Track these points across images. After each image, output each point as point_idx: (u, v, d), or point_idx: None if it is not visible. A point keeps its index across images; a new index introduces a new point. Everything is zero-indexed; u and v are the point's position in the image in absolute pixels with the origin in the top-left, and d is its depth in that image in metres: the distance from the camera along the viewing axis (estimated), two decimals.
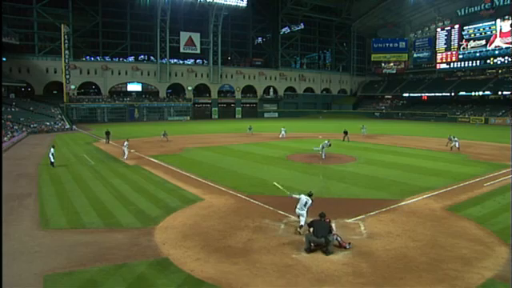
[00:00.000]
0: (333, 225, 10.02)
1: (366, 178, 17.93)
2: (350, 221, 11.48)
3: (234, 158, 24.66)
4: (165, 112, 79.36)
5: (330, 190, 15.54)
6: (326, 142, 24.07)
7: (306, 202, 10.45)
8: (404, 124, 64.00)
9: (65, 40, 63.07)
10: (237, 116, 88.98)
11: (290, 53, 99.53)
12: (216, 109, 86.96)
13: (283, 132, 37.17)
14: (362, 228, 10.89)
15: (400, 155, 25.17)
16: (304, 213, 10.43)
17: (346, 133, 35.25)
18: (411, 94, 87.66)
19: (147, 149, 29.00)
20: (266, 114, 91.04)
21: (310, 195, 10.69)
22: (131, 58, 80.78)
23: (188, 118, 78.24)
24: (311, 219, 9.76)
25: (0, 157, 19.20)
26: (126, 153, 23.97)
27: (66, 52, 64.39)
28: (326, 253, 9.09)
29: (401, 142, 33.26)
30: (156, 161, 23.20)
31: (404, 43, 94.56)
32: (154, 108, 78.36)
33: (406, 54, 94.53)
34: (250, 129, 42.64)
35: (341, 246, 9.42)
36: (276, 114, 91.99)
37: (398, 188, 15.66)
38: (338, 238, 9.56)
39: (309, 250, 9.19)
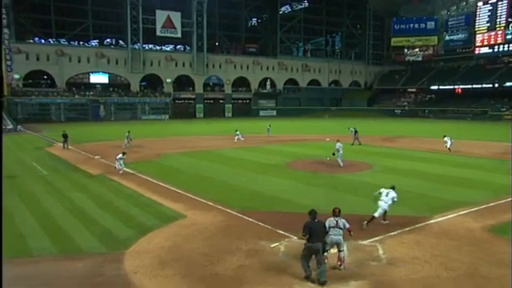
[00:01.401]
0: (327, 223, 9.76)
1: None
2: (365, 242, 11.44)
3: (222, 165, 24.66)
4: (138, 109, 79.23)
5: (340, 204, 15.44)
6: (339, 144, 24.41)
7: (388, 194, 12.59)
8: (431, 124, 64.39)
9: (2, 15, 60.40)
10: (226, 114, 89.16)
11: (291, 37, 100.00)
12: (201, 106, 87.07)
13: (239, 136, 36.98)
14: (381, 252, 10.84)
15: (426, 162, 25.29)
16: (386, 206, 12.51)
17: (355, 133, 35.38)
18: (441, 87, 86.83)
19: (116, 155, 28.79)
20: (261, 112, 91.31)
21: (392, 188, 12.78)
22: (94, 42, 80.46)
23: (167, 116, 78.05)
24: (306, 222, 9.39)
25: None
26: (119, 166, 21.96)
27: (5, 31, 61.84)
28: (317, 265, 8.99)
29: (427, 146, 33.42)
30: (127, 169, 23.02)
31: (433, 23, 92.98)
32: (124, 104, 78.17)
33: (436, 37, 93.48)
34: (268, 130, 42.82)
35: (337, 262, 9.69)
36: (274, 112, 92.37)
37: (425, 202, 15.65)
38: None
39: (311, 277, 9.07)
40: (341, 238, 9.74)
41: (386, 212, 12.86)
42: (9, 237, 12.12)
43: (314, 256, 9.16)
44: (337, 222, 9.80)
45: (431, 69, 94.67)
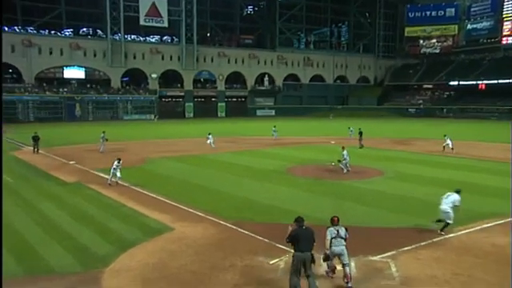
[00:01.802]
0: (328, 234, 9.98)
1: (396, 198, 17.94)
2: (375, 258, 11.39)
3: (215, 171, 24.70)
4: (119, 109, 79.25)
5: (347, 215, 15.45)
6: (345, 152, 24.19)
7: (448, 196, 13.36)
8: (451, 124, 64.44)
9: None
10: (219, 114, 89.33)
11: (291, 28, 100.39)
12: (191, 104, 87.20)
13: (210, 140, 35.72)
14: (394, 269, 10.79)
15: (445, 167, 25.31)
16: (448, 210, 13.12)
17: (360, 134, 35.62)
18: (462, 82, 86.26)
19: (94, 160, 28.76)
20: (258, 112, 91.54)
21: (457, 192, 13.40)
22: (68, 32, 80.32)
23: (156, 117, 77.78)
24: (293, 229, 9.46)
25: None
26: (113, 179, 21.06)
27: None
28: (307, 278, 9.07)
29: (447, 150, 33.42)
30: (107, 176, 22.95)
31: (453, 10, 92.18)
32: (103, 103, 78.12)
33: (456, 26, 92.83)
34: (274, 132, 42.61)
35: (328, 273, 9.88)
36: (272, 112, 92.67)
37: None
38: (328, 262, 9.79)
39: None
40: (344, 248, 9.87)
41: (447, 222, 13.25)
42: None
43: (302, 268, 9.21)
44: (338, 231, 9.97)
45: (450, 62, 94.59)
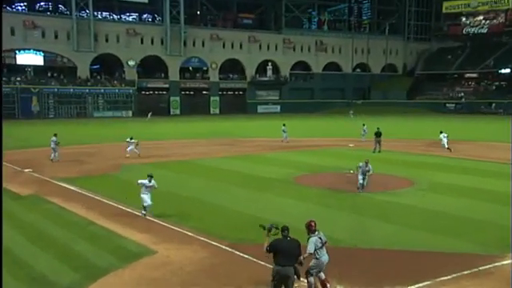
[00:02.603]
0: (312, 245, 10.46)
1: (430, 214, 17.87)
2: None
3: (207, 180, 24.83)
4: (88, 103, 79.72)
5: (370, 234, 15.46)
6: (362, 164, 21.94)
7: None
8: (501, 122, 64.22)
9: None
10: (212, 110, 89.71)
11: (300, 4, 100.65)
12: (177, 99, 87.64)
13: (132, 147, 33.39)
14: None
15: (494, 177, 25.15)
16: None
17: (378, 135, 35.60)
18: None
19: (56, 167, 28.85)
20: (260, 108, 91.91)
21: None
22: (21, 6, 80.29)
23: (148, 115, 77.22)
24: (271, 241, 9.89)
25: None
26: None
27: None
28: None
29: (494, 155, 33.44)
30: (71, 187, 23.02)
31: None
32: (68, 96, 78.50)
33: None
34: (284, 132, 42.62)
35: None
36: (277, 108, 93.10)
37: (494, 235, 15.52)
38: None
39: None
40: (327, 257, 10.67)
41: None
42: None
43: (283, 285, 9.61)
44: (320, 238, 10.63)
45: (502, 45, 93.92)
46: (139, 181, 17.92)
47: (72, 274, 12.38)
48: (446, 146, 35.49)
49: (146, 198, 17.47)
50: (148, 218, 17.33)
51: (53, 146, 30.93)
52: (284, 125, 43.57)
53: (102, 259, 13.36)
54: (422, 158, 32.54)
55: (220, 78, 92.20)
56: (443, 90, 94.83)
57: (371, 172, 21.53)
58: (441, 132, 37.08)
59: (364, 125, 40.71)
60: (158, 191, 22.35)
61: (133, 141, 33.69)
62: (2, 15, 50.01)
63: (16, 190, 22.69)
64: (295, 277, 9.67)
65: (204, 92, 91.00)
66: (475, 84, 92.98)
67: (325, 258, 10.63)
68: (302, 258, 9.98)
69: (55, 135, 31.66)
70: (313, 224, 10.74)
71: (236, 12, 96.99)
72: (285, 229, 9.97)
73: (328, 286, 10.68)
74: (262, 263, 12.75)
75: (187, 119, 74.83)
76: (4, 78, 74.90)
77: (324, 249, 10.69)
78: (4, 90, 73.56)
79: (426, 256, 13.68)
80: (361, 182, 21.30)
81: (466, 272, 12.34)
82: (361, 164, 21.61)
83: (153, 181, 17.75)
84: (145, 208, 17.58)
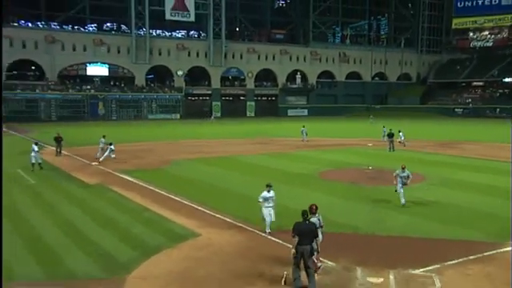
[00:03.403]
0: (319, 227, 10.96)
1: (441, 207, 17.57)
2: (417, 272, 11.19)
3: (244, 175, 24.77)
4: (143, 107, 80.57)
5: (386, 224, 15.28)
6: (401, 171, 18.01)
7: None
8: (505, 126, 62.61)
9: None
10: (248, 114, 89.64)
11: (326, 21, 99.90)
12: (218, 104, 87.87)
13: (107, 153, 29.43)
14: (438, 285, 10.57)
15: (498, 173, 24.60)
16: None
17: (390, 136, 35.08)
18: None
19: (117, 161, 29.22)
20: (290, 112, 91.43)
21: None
22: (92, 27, 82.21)
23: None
24: (294, 224, 10.26)
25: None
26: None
27: None
28: (306, 270, 9.82)
29: (499, 154, 32.62)
30: (130, 179, 23.37)
31: None
32: (127, 101, 79.58)
33: None
34: (303, 133, 42.21)
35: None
36: (305, 112, 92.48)
37: (497, 224, 15.21)
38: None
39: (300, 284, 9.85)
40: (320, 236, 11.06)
41: None
42: None
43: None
44: (319, 220, 11.20)
45: (505, 56, 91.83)
46: (260, 197, 14.36)
47: (130, 252, 12.63)
48: (400, 140, 37.18)
49: (267, 213, 14.01)
50: (267, 235, 13.89)
51: (101, 146, 29.88)
52: (303, 126, 43.09)
53: (155, 240, 13.58)
54: (432, 156, 31.98)
55: (255, 86, 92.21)
56: (452, 97, 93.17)
57: (410, 178, 17.89)
58: (399, 131, 38.24)
59: (384, 127, 40.14)
60: (200, 182, 22.60)
61: (103, 139, 30.38)
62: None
63: (85, 179, 23.31)
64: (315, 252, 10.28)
65: (241, 98, 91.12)
66: (481, 91, 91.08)
67: (319, 237, 10.98)
68: (319, 241, 10.70)
69: (104, 137, 30.67)
70: (314, 207, 11.14)
71: (270, 28, 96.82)
72: (304, 213, 10.43)
73: (317, 261, 10.95)
74: (289, 246, 12.78)
75: (227, 121, 75.11)
76: (76, 87, 76.59)
77: (320, 230, 11.10)
78: (76, 96, 75.27)
79: (435, 242, 13.49)
80: (401, 190, 17.49)
81: (471, 257, 12.14)
82: (397, 171, 17.93)
83: (272, 191, 14.36)
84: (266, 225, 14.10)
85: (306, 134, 42.00)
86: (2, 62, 67.19)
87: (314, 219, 11.01)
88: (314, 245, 10.30)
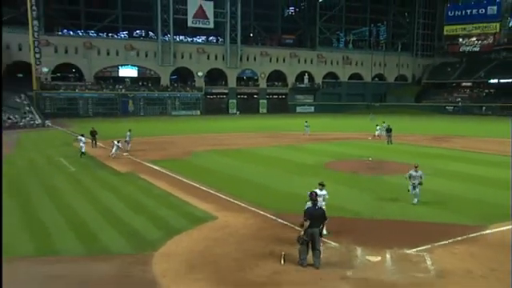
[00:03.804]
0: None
1: (432, 194, 17.41)
2: (411, 252, 11.17)
3: (256, 165, 24.77)
4: (168, 105, 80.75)
5: (384, 209, 15.23)
6: (414, 172, 15.78)
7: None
8: (490, 122, 62.05)
9: (32, 6, 62.17)
10: (261, 110, 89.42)
11: (331, 27, 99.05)
12: (234, 101, 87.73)
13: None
14: (429, 263, 10.54)
15: (483, 165, 24.39)
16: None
17: (388, 131, 34.80)
18: (502, 80, 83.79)
19: (145, 152, 29.53)
20: (298, 108, 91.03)
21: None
22: (123, 34, 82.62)
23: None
24: (306, 209, 10.39)
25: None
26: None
27: (35, 23, 63.73)
28: (313, 251, 10.03)
29: (485, 147, 32.31)
30: (156, 168, 23.55)
31: (495, 8, 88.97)
32: (153, 99, 79.83)
33: (498, 24, 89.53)
34: (306, 127, 42.08)
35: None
36: (312, 109, 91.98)
37: (481, 210, 15.12)
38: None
39: (305, 261, 10.04)
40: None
41: None
42: (37, 236, 12.67)
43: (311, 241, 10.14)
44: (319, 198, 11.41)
45: (491, 60, 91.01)
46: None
47: (156, 232, 12.75)
48: (376, 134, 37.79)
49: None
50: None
51: (127, 138, 29.92)
52: (306, 121, 42.90)
53: (177, 222, 13.68)
54: (426, 149, 31.71)
55: (267, 85, 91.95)
56: (444, 96, 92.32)
57: (423, 178, 15.70)
58: (377, 125, 39.10)
59: (384, 122, 39.81)
60: (218, 172, 22.63)
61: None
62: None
63: (117, 168, 23.52)
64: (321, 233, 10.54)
65: (255, 96, 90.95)
66: (469, 91, 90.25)
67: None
68: (325, 223, 10.87)
69: (129, 130, 30.65)
70: (313, 194, 11.01)
71: (280, 34, 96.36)
72: (312, 195, 10.67)
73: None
74: (298, 228, 12.81)
75: (241, 117, 75.10)
76: (110, 87, 77.16)
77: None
78: (109, 95, 75.83)
79: (427, 226, 13.46)
80: (412, 192, 15.61)
81: (458, 238, 12.13)
82: (410, 172, 15.79)
83: (324, 190, 12.85)
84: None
85: (309, 129, 41.77)
86: (44, 63, 67.89)
87: (309, 202, 11.04)
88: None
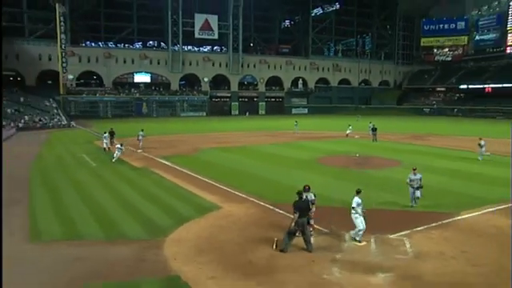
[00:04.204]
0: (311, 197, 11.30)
1: None
2: (392, 236, 11.25)
3: (256, 160, 24.76)
4: (177, 107, 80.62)
5: (369, 199, 15.27)
6: (413, 175, 14.17)
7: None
8: (461, 122, 62.20)
9: (60, 22, 63.52)
10: (260, 112, 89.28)
11: (322, 38, 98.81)
12: (236, 103, 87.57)
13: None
14: (408, 246, 10.64)
15: (455, 160, 24.49)
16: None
17: (374, 130, 34.90)
18: (471, 86, 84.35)
19: (157, 149, 29.53)
20: (293, 110, 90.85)
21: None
22: (138, 45, 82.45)
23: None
24: (294, 202, 10.50)
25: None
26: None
27: (63, 36, 64.75)
28: (304, 236, 10.18)
29: (456, 144, 32.36)
30: (167, 163, 23.56)
31: (463, 23, 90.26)
32: (164, 102, 79.72)
33: (466, 37, 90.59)
34: (296, 126, 42.30)
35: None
36: (305, 110, 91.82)
37: (453, 199, 15.22)
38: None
39: (286, 248, 10.08)
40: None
41: None
42: (64, 222, 12.77)
43: (299, 230, 10.32)
44: (306, 197, 11.14)
45: (460, 68, 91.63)
46: (354, 202, 11.00)
47: (168, 220, 12.81)
48: (347, 133, 37.69)
49: (360, 223, 10.74)
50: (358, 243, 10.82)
51: (140, 138, 29.61)
52: (296, 121, 42.98)
53: (187, 211, 13.73)
54: (406, 146, 31.76)
55: (266, 89, 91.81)
56: (421, 99, 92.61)
57: (421, 182, 13.98)
58: (349, 125, 39.43)
59: (370, 122, 39.76)
60: (222, 166, 22.66)
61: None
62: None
63: (133, 163, 23.57)
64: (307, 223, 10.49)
65: (255, 99, 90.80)
66: (443, 95, 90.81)
67: (312, 209, 11.19)
68: (312, 214, 10.99)
69: (142, 130, 30.27)
70: (307, 187, 11.41)
71: (277, 44, 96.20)
72: (300, 192, 10.74)
73: (311, 228, 11.09)
74: (292, 217, 12.89)
75: (243, 118, 75.07)
76: (126, 91, 77.13)
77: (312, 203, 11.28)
78: (126, 98, 75.83)
79: (407, 214, 13.54)
80: (412, 195, 14.07)
81: (433, 224, 12.24)
82: (409, 176, 14.30)
83: (357, 197, 11.09)
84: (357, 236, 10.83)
85: (298, 127, 41.81)
86: (69, 71, 67.98)
87: (310, 195, 11.28)
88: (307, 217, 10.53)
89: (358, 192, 11.19)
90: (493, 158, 24.47)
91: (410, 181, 14.22)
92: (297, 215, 10.15)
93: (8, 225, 12.13)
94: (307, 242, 10.26)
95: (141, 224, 12.46)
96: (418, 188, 13.98)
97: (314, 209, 11.21)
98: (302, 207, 10.36)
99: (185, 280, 8.78)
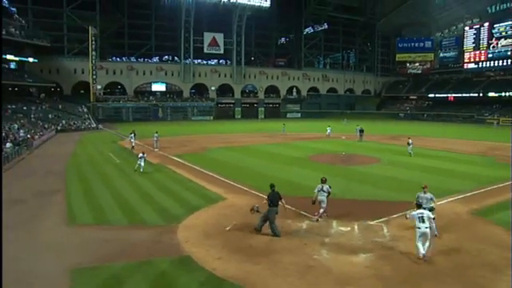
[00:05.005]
0: (316, 188, 11.51)
1: (389, 179, 17.57)
2: (372, 223, 11.30)
3: (256, 158, 24.71)
4: (188, 112, 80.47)
5: (353, 191, 15.33)
6: (422, 194, 10.71)
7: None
8: (429, 125, 62.31)
9: (92, 41, 65.00)
10: (260, 116, 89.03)
11: (313, 53, 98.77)
12: (239, 109, 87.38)
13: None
14: (385, 230, 10.69)
15: (425, 157, 24.50)
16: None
17: (361, 131, 34.94)
18: (437, 95, 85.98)
19: (171, 148, 29.49)
20: (288, 115, 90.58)
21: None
22: (156, 59, 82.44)
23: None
24: (268, 193, 10.74)
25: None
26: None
27: (93, 53, 66.23)
28: (270, 223, 10.25)
29: (425, 144, 32.31)
30: (180, 160, 23.57)
31: (430, 43, 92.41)
32: (177, 108, 79.59)
33: (432, 54, 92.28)
34: (284, 129, 42.83)
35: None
36: (299, 115, 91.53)
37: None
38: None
39: (259, 228, 10.33)
40: (324, 198, 11.34)
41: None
42: (94, 209, 12.90)
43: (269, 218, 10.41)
44: (322, 187, 11.40)
45: (429, 80, 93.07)
46: (413, 214, 9.12)
47: (180, 209, 12.85)
48: (327, 134, 38.00)
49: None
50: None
51: (155, 139, 29.32)
52: (284, 124, 43.95)
53: (196, 201, 13.77)
54: (385, 145, 31.76)
55: (264, 97, 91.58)
56: (397, 105, 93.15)
57: (434, 202, 10.58)
58: (328, 126, 39.61)
59: (358, 125, 39.49)
60: (227, 163, 22.64)
61: (156, 135, 29.29)
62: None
63: (151, 160, 23.39)
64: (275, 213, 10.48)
65: (255, 105, 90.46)
66: (415, 102, 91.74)
67: (320, 197, 11.38)
68: (324, 204, 11.31)
69: (156, 132, 29.93)
70: (323, 179, 11.63)
71: (275, 57, 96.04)
72: (272, 185, 10.85)
73: (321, 211, 11.39)
74: (287, 207, 12.85)
75: (245, 121, 75.02)
76: (145, 98, 77.09)
77: (324, 193, 11.34)
78: (144, 105, 75.77)
79: (385, 204, 13.59)
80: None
81: (407, 212, 12.18)
82: (418, 194, 10.82)
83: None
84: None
85: (285, 129, 42.64)
86: (98, 82, 68.11)
87: (326, 186, 11.38)
88: (278, 209, 10.52)
89: (323, 181, 11.77)
90: (455, 156, 24.49)
91: (419, 199, 10.34)
92: (269, 203, 10.39)
93: (50, 210, 12.78)
94: (273, 229, 10.27)
95: (157, 212, 12.51)
96: (430, 210, 9.58)
97: (326, 200, 11.41)
98: (272, 198, 10.49)
99: (195, 260, 8.84)
